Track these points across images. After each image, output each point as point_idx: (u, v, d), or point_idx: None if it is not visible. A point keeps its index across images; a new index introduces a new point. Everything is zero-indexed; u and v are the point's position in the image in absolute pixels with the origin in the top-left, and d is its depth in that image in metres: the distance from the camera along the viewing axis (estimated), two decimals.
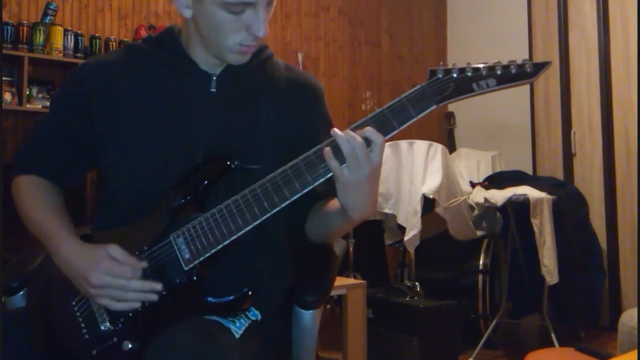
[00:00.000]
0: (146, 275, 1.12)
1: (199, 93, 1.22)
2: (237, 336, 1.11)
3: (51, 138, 1.28)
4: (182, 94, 1.21)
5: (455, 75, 1.03)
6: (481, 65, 1.03)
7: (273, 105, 1.25)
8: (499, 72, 1.02)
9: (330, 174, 1.04)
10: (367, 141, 1.02)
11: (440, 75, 1.04)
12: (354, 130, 1.03)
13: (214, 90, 1.22)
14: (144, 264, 1.11)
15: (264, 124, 1.23)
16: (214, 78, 1.22)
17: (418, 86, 1.04)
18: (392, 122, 1.04)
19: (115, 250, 1.10)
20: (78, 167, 1.32)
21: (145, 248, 1.13)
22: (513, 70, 1.02)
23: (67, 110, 1.27)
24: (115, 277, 1.08)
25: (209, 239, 1.09)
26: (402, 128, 1.05)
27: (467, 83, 1.03)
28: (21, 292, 1.35)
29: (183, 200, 1.13)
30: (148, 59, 1.25)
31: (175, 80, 1.22)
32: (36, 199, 1.25)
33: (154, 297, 1.10)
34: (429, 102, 1.03)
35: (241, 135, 1.21)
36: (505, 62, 1.03)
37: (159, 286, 1.10)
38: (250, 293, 1.12)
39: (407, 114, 1.03)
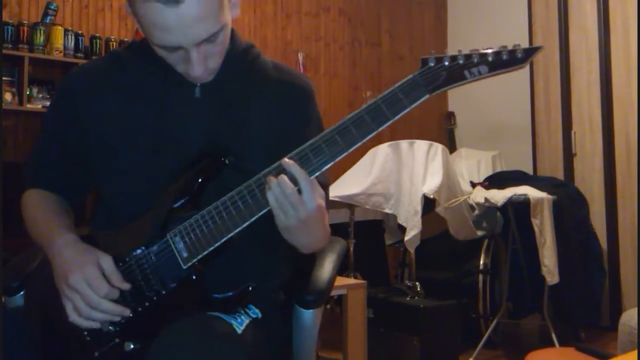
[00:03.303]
0: (144, 276, 1.12)
1: (183, 100, 1.21)
2: (239, 332, 1.11)
3: (49, 152, 1.29)
4: (167, 101, 1.21)
5: (446, 63, 1.03)
6: (472, 53, 1.03)
7: (261, 106, 1.24)
8: (490, 58, 1.01)
9: (326, 167, 1.05)
10: (294, 180, 1.03)
11: (432, 64, 1.03)
12: (292, 158, 1.04)
13: (198, 96, 1.21)
14: (126, 286, 1.10)
15: (253, 125, 1.23)
16: (198, 84, 1.21)
17: (410, 76, 1.04)
18: (385, 113, 1.03)
19: (105, 261, 1.10)
20: (80, 179, 1.31)
21: (143, 247, 1.13)
22: (504, 56, 1.01)
23: (59, 125, 1.28)
24: (89, 288, 1.07)
25: (207, 236, 1.09)
26: (396, 118, 1.04)
27: (459, 71, 1.03)
28: (21, 292, 1.34)
29: (178, 199, 1.13)
30: (132, 65, 1.24)
31: (159, 87, 1.21)
32: (38, 207, 1.26)
33: (118, 319, 1.10)
34: (422, 91, 1.03)
35: (231, 137, 1.20)
36: (496, 48, 1.02)
37: (127, 312, 1.09)
38: (250, 288, 1.12)
39: (401, 104, 1.03)
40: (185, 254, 1.10)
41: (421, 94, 1.03)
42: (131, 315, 1.11)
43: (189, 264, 1.10)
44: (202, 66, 1.11)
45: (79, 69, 1.32)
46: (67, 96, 1.26)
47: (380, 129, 1.04)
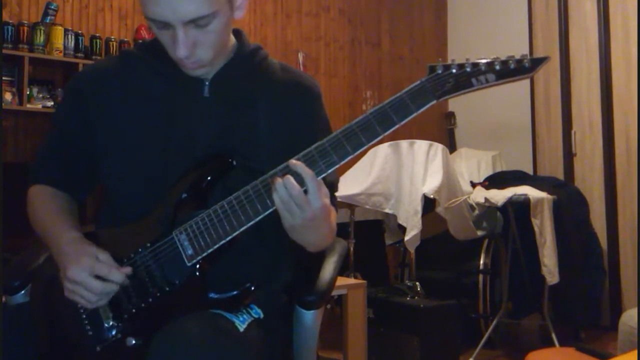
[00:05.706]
0: (148, 272, 1.13)
1: (192, 98, 1.22)
2: (241, 329, 1.12)
3: (57, 149, 1.30)
4: (176, 100, 1.22)
5: (454, 70, 1.04)
6: (480, 61, 1.04)
7: (269, 107, 1.25)
8: (497, 67, 1.03)
9: (331, 169, 1.06)
10: (299, 178, 1.03)
11: (440, 71, 1.05)
12: (299, 159, 1.05)
13: (207, 95, 1.22)
14: (128, 269, 1.11)
15: (261, 126, 1.23)
16: (207, 83, 1.22)
17: (418, 81, 1.05)
18: (392, 117, 1.05)
19: (103, 255, 1.11)
20: (86, 176, 1.32)
21: (148, 245, 1.14)
22: (512, 65, 1.03)
23: (68, 123, 1.28)
24: (89, 277, 1.08)
25: (212, 235, 1.10)
26: (402, 123, 1.05)
27: (466, 78, 1.04)
28: (22, 292, 1.35)
29: (185, 197, 1.14)
30: (141, 65, 1.25)
31: (168, 86, 1.22)
32: (45, 205, 1.26)
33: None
34: (429, 97, 1.05)
35: (239, 138, 1.21)
36: (503, 58, 1.03)
37: (126, 282, 1.11)
38: (252, 288, 1.12)
39: (407, 109, 1.05)
40: (190, 252, 1.11)
41: (428, 100, 1.05)
42: (134, 309, 1.12)
43: (193, 261, 1.11)
44: (188, 50, 1.10)
45: (89, 68, 1.33)
46: (76, 96, 1.27)
47: (386, 133, 1.05)
